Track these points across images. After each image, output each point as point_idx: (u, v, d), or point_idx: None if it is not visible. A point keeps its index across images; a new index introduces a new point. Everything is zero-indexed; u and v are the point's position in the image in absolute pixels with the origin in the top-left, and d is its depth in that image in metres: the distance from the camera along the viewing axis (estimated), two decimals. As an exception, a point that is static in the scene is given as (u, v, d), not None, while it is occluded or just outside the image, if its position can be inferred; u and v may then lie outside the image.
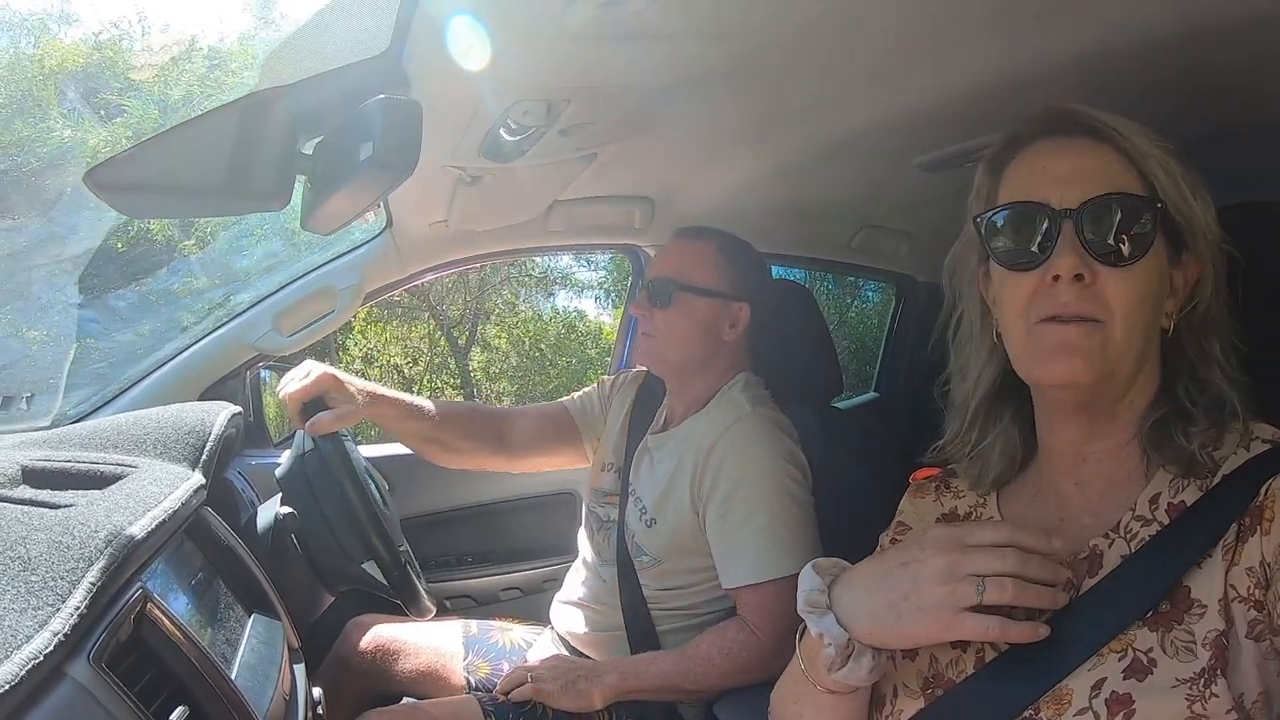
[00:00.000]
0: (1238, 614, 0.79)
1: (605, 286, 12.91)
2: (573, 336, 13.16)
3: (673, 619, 1.74)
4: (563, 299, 13.61)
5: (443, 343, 12.64)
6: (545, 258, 11.76)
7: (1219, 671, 0.77)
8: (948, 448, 1.10)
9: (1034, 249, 0.90)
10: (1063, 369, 0.89)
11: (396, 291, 2.27)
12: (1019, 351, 0.94)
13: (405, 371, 12.36)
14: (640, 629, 1.74)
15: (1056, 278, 0.88)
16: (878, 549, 1.15)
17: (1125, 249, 0.87)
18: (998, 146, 1.00)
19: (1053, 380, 0.92)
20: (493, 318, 13.13)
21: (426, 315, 12.35)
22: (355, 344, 11.95)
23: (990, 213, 0.95)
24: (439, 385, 12.36)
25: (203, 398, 1.94)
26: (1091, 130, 0.92)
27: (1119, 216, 0.87)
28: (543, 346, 12.99)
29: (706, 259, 1.80)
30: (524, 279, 13.00)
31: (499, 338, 13.17)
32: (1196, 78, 1.23)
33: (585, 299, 13.55)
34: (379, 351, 12.24)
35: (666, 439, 1.81)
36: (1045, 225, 0.90)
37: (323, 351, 10.31)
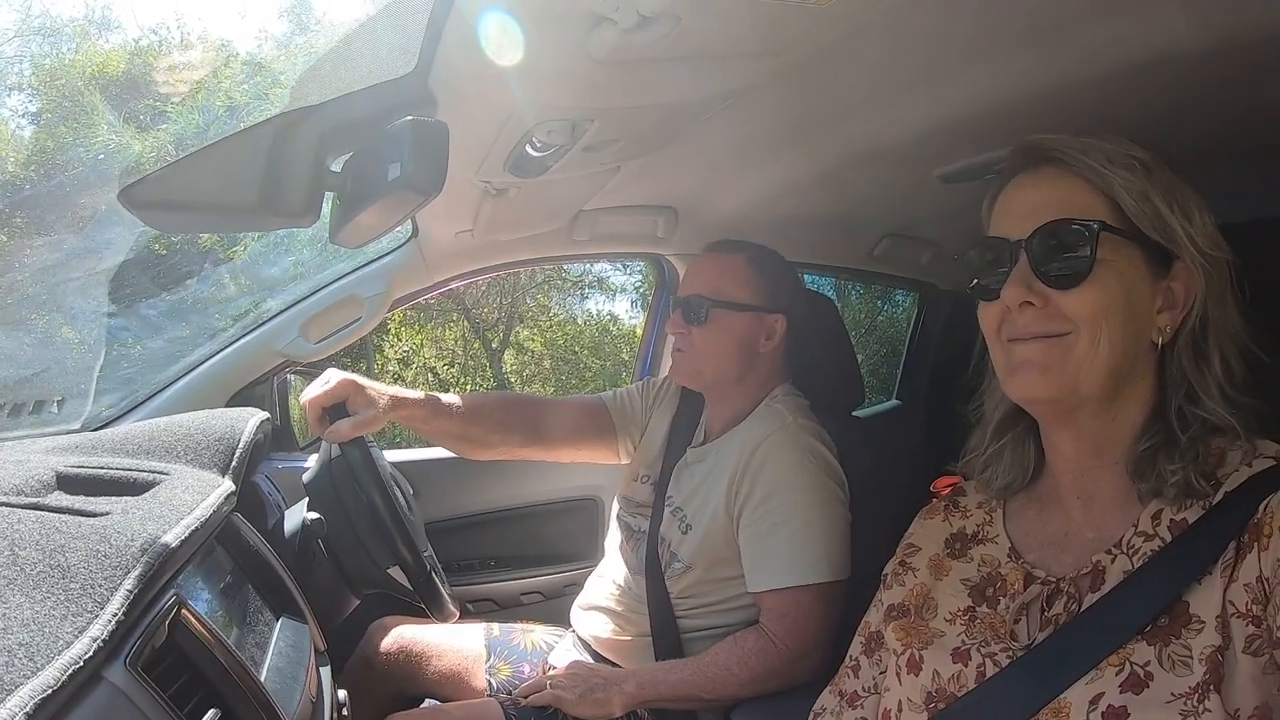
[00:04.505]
0: (1235, 630, 0.80)
1: (640, 290, 12.89)
2: (607, 340, 13.12)
3: (698, 628, 1.75)
4: (596, 303, 13.60)
5: (477, 345, 12.66)
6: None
7: (1213, 687, 0.78)
8: (967, 458, 1.14)
9: (994, 281, 0.96)
10: (1023, 383, 0.95)
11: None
12: (999, 371, 0.99)
13: (441, 374, 12.38)
14: (666, 636, 1.76)
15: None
16: (882, 583, 1.19)
17: (1071, 272, 0.91)
18: (996, 183, 1.04)
19: (1018, 395, 0.97)
20: (526, 320, 13.11)
21: (460, 318, 12.39)
22: (391, 346, 11.99)
23: (969, 249, 1.01)
24: (474, 387, 12.33)
25: (230, 402, 1.99)
26: (1056, 160, 0.96)
27: (1061, 242, 0.91)
28: (577, 349, 12.97)
29: (739, 273, 1.81)
30: (558, 282, 12.98)
31: (533, 340, 13.14)
32: (1221, 95, 1.23)
33: (619, 302, 13.55)
34: (414, 354, 12.27)
35: (706, 452, 1.83)
36: (1003, 258, 0.95)
37: (359, 354, 10.38)
